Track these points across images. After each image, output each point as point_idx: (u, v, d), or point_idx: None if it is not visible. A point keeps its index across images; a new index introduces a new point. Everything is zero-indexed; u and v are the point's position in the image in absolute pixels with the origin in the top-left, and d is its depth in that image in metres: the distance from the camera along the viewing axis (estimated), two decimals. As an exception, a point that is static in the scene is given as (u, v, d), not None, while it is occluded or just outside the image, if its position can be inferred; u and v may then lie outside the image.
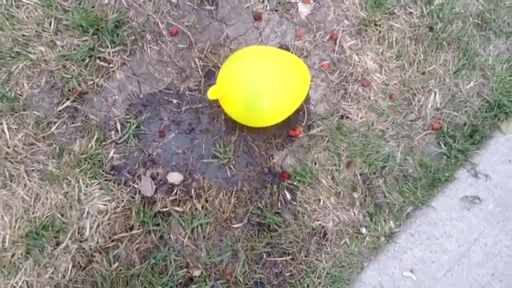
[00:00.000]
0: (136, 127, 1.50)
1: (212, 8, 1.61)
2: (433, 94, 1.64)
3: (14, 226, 1.38)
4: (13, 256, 1.36)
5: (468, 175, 1.61)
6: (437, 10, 1.69)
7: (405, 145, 1.60)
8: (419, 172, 1.59)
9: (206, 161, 1.54)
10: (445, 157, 1.61)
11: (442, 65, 1.66)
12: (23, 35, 1.47)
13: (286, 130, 1.58)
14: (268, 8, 1.64)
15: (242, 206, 1.51)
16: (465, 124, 1.63)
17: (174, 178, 1.51)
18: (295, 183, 1.53)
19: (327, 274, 1.47)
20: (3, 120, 1.42)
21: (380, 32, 1.65)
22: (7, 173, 1.40)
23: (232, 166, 1.54)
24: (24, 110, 1.44)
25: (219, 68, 1.58)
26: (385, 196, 1.56)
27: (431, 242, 1.54)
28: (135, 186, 1.47)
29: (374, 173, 1.57)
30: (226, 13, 1.62)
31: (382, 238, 1.53)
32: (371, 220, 1.54)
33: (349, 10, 1.66)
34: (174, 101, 1.56)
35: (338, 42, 1.63)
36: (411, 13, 1.69)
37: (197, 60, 1.58)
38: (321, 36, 1.64)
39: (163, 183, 1.51)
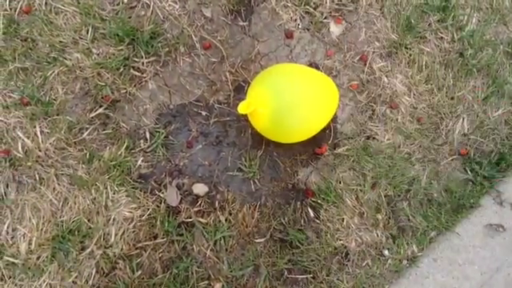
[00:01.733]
0: (164, 137, 1.52)
1: (245, 24, 1.63)
2: (461, 119, 1.64)
3: (41, 229, 1.39)
4: (38, 258, 1.38)
5: (493, 203, 1.60)
6: (467, 36, 1.70)
7: (431, 169, 1.60)
8: (444, 197, 1.59)
9: (231, 174, 1.55)
10: (470, 183, 1.61)
11: (471, 91, 1.67)
12: (60, 41, 1.49)
13: (312, 148, 1.59)
14: (300, 26, 1.66)
15: (265, 221, 1.52)
16: (492, 151, 1.63)
17: (199, 189, 1.53)
18: (319, 201, 1.53)
19: (348, 294, 1.47)
20: (36, 123, 1.44)
21: (410, 55, 1.66)
22: (37, 176, 1.42)
23: (256, 181, 1.55)
24: (57, 115, 1.46)
25: (249, 83, 1.59)
26: (408, 219, 1.56)
27: (453, 268, 1.53)
28: (161, 195, 1.49)
29: (399, 195, 1.57)
30: (258, 29, 1.64)
31: (404, 262, 1.53)
32: (394, 243, 1.53)
33: (380, 32, 1.67)
34: (203, 113, 1.58)
35: (367, 63, 1.64)
36: (442, 38, 1.70)
37: (227, 74, 1.60)
38: (351, 56, 1.65)
39: (188, 194, 1.52)
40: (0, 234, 1.38)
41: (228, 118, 1.58)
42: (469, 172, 1.61)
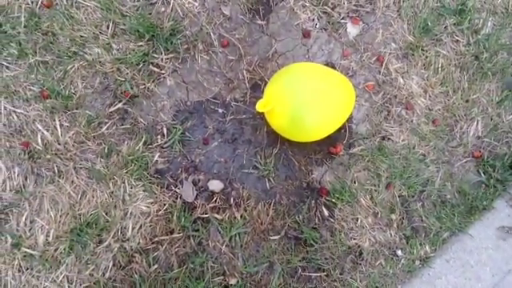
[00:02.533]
0: (181, 133, 1.53)
1: (263, 23, 1.64)
2: (475, 122, 1.65)
3: (59, 221, 1.40)
4: (56, 250, 1.39)
5: (506, 205, 1.61)
6: (483, 39, 1.71)
7: (445, 170, 1.61)
8: (457, 199, 1.60)
9: (246, 171, 1.56)
10: (484, 185, 1.62)
11: (486, 94, 1.68)
12: (81, 36, 1.51)
13: (327, 147, 1.60)
14: (317, 26, 1.67)
15: (280, 218, 1.53)
16: (505, 154, 1.64)
17: (215, 185, 1.54)
18: (333, 200, 1.54)
19: (362, 293, 1.48)
20: (56, 117, 1.45)
21: (426, 57, 1.67)
22: (56, 168, 1.43)
23: (271, 179, 1.56)
24: (77, 109, 1.47)
25: (265, 81, 1.61)
26: (422, 220, 1.57)
27: (466, 270, 1.54)
28: (177, 190, 1.50)
29: (413, 196, 1.58)
30: (276, 28, 1.65)
31: (417, 262, 1.54)
32: (407, 243, 1.54)
33: (397, 34, 1.68)
34: (220, 110, 1.59)
35: (384, 64, 1.65)
36: (458, 41, 1.71)
37: (245, 72, 1.61)
38: (367, 57, 1.66)
39: (204, 190, 1.53)
40: (18, 226, 1.39)
41: (244, 116, 1.60)
42: (482, 174, 1.62)
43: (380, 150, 1.58)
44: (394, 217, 1.55)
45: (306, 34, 1.67)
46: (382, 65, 1.66)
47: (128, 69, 1.51)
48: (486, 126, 1.65)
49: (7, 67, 1.46)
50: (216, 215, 1.51)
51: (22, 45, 1.47)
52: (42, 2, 1.51)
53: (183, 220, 1.46)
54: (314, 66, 1.50)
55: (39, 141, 1.43)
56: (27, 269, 1.37)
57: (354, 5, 1.68)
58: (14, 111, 1.44)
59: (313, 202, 1.56)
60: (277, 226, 1.53)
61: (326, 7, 1.66)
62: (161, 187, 1.49)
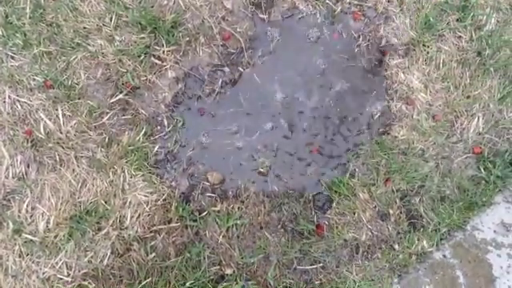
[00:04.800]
0: (182, 125, 1.54)
1: (265, 17, 1.65)
2: (476, 118, 1.64)
3: (60, 209, 1.43)
4: (56, 237, 1.41)
5: (505, 202, 1.60)
6: (486, 36, 1.70)
7: (444, 166, 1.61)
8: (456, 194, 1.60)
9: (245, 163, 1.57)
10: (483, 181, 1.61)
11: (488, 90, 1.67)
12: (84, 27, 1.53)
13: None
14: (319, 21, 1.67)
15: (277, 211, 1.53)
16: (506, 151, 1.63)
17: (214, 177, 1.55)
18: (331, 194, 1.55)
19: (357, 286, 1.48)
20: (59, 106, 1.48)
21: (428, 53, 1.67)
22: (58, 157, 1.46)
23: (270, 171, 1.56)
24: (79, 99, 1.50)
25: (266, 75, 1.61)
26: (420, 215, 1.57)
27: (463, 265, 1.54)
28: (174, 182, 1.51)
29: (412, 191, 1.58)
30: (277, 22, 1.66)
31: (414, 257, 1.54)
32: (405, 237, 1.54)
33: (398, 29, 1.68)
34: (220, 103, 1.60)
35: (385, 60, 1.65)
36: (460, 37, 1.70)
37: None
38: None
39: (202, 181, 1.54)
40: (20, 212, 1.42)
41: (244, 109, 1.61)
42: (482, 170, 1.61)
43: (379, 144, 1.58)
44: (391, 211, 1.55)
45: (308, 29, 1.67)
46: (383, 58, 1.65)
47: (130, 60, 1.53)
48: (486, 123, 1.64)
49: (12, 57, 1.49)
50: (213, 207, 1.51)
51: (27, 35, 1.50)
52: (47, -6, 1.54)
53: (181, 210, 1.48)
54: None
55: (42, 129, 1.46)
56: (27, 254, 1.40)
57: (356, -1, 1.68)
58: (18, 100, 1.47)
59: (310, 195, 1.56)
60: (274, 218, 1.53)
61: (327, 1, 1.66)
62: (160, 177, 1.51)
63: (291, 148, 1.59)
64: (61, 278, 1.40)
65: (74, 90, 1.51)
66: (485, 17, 1.73)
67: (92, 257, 1.43)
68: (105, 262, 1.43)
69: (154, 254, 1.45)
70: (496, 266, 1.54)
